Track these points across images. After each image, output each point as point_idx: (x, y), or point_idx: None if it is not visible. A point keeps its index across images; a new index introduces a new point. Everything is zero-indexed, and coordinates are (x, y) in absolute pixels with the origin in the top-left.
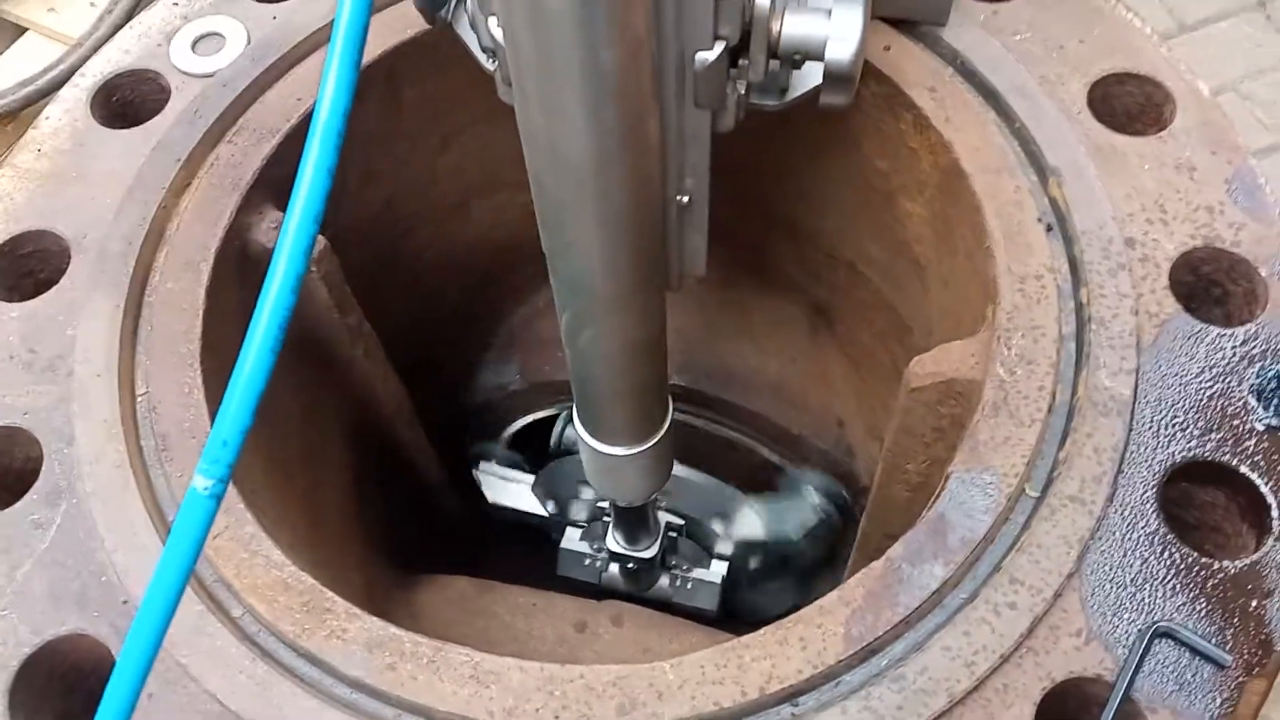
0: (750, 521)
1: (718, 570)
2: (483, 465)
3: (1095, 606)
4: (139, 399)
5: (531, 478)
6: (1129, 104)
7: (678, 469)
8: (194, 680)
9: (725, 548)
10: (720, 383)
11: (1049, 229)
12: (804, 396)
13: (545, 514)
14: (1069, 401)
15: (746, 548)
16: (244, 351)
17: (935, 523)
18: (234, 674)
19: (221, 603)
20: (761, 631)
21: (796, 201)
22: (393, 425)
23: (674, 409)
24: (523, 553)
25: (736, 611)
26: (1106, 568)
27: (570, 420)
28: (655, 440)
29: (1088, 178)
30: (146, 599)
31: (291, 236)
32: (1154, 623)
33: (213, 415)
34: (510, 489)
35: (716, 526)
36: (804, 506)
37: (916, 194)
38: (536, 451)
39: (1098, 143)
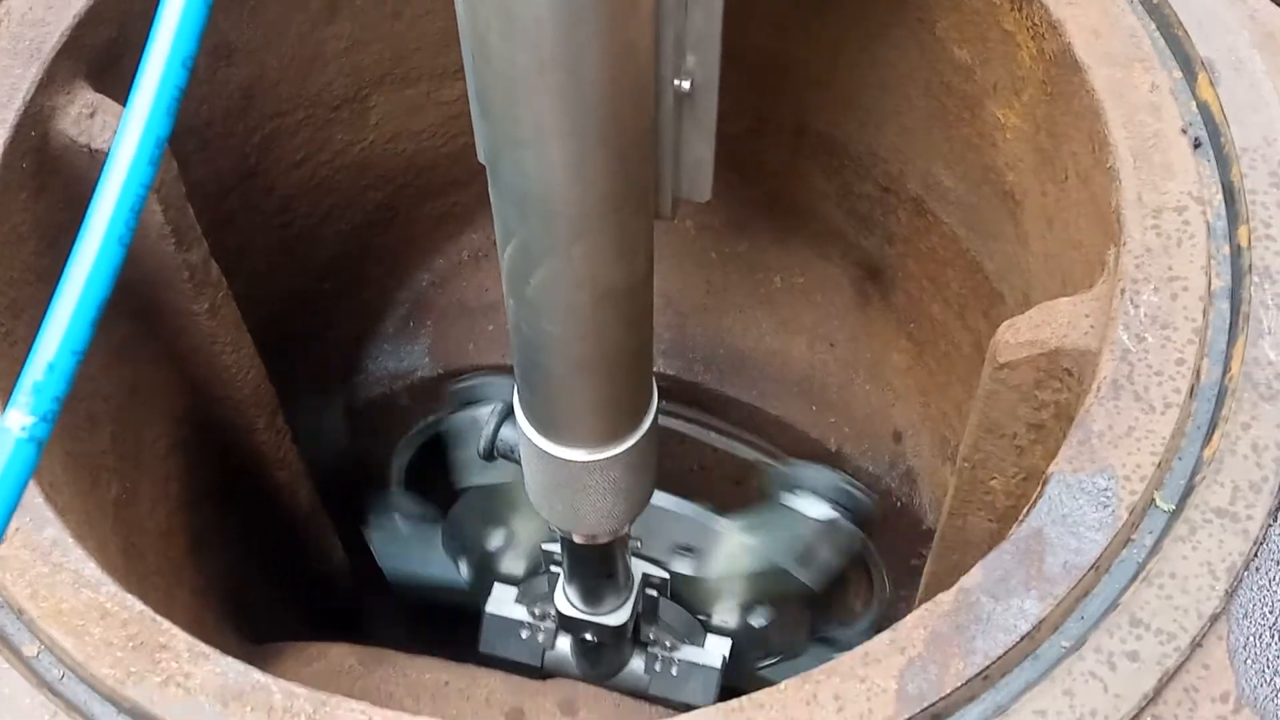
0: (728, 549)
1: (716, 649)
2: (373, 523)
3: (1249, 661)
4: None
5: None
6: None
7: (661, 498)
8: None
9: (728, 616)
10: (725, 373)
11: (1196, 144)
12: (846, 395)
13: (464, 583)
14: (1219, 381)
15: (743, 600)
16: (83, 233)
17: (1029, 541)
18: None
19: (9, 636)
20: (782, 685)
21: (840, 109)
22: (245, 420)
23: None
24: (430, 614)
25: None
26: (1266, 609)
27: (508, 414)
28: (633, 440)
29: (1252, 75)
30: None
31: (163, 62)
32: None
33: None
34: (418, 551)
35: (686, 566)
36: (795, 520)
37: (1012, 97)
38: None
39: (1268, 28)
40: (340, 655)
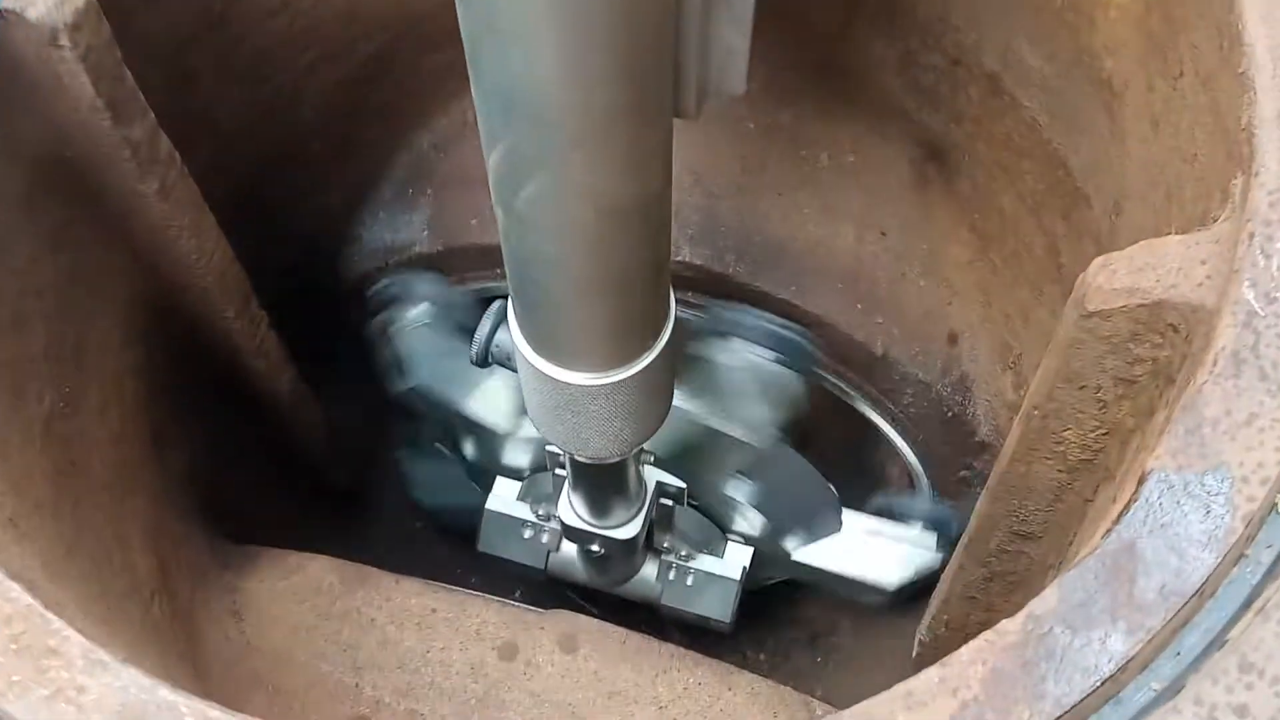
0: (841, 547)
1: (736, 560)
2: (397, 315)
3: None
4: None
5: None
6: None
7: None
8: None
9: (748, 524)
10: (760, 264)
11: None
12: (897, 291)
13: (502, 425)
14: None
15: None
16: None
17: (1118, 558)
18: None
19: None
20: None
21: None
22: (213, 309)
23: (680, 307)
24: (424, 519)
25: (758, 618)
26: None
27: (504, 319)
28: (645, 363)
29: None
30: None
31: None
32: None
33: None
34: (455, 364)
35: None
36: (919, 553)
37: None
38: None
39: None
40: (320, 571)
